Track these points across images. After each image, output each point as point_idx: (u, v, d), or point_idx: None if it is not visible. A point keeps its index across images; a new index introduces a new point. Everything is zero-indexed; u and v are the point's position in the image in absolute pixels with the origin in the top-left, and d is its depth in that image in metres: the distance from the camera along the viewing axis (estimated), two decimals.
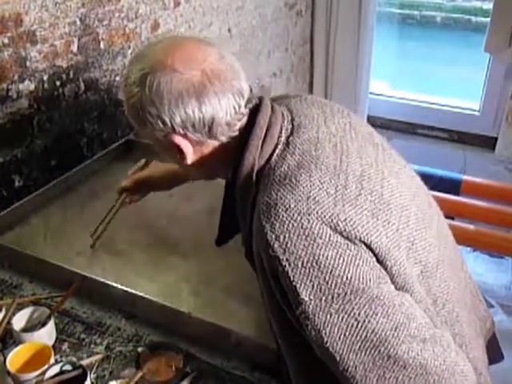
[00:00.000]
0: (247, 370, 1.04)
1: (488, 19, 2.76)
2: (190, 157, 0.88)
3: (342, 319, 0.74)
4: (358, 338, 0.74)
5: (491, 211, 2.17)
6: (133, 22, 1.83)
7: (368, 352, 0.74)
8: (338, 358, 0.75)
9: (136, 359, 1.04)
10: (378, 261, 0.78)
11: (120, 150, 1.72)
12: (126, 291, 1.12)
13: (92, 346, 1.09)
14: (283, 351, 0.90)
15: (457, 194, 2.22)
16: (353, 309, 0.74)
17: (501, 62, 2.82)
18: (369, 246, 0.77)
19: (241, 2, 2.41)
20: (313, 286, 0.74)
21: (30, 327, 1.09)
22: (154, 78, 0.81)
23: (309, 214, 0.76)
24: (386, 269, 0.78)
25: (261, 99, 0.90)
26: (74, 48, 1.63)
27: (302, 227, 0.75)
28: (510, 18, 2.67)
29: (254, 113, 0.88)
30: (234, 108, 0.84)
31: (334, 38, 3.04)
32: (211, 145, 0.88)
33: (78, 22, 1.62)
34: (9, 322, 1.08)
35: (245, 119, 0.88)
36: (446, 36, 3.67)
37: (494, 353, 1.00)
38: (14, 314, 1.09)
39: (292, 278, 0.75)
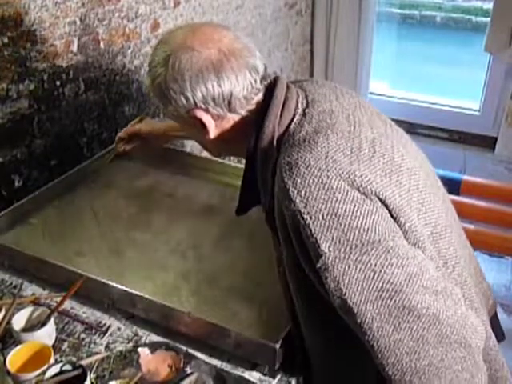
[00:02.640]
0: (247, 369, 1.04)
1: (488, 19, 2.76)
2: (213, 131, 0.96)
3: (360, 270, 0.78)
4: (375, 288, 0.78)
5: (491, 211, 2.17)
6: (133, 22, 1.83)
7: (384, 302, 0.78)
8: (355, 310, 0.79)
9: (136, 359, 1.04)
10: (392, 217, 0.83)
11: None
12: (126, 291, 1.12)
13: (92, 345, 1.09)
14: (303, 323, 0.96)
15: (457, 193, 2.22)
16: (369, 259, 0.78)
17: (501, 62, 2.82)
18: (383, 202, 0.82)
19: (240, 2, 2.41)
20: (332, 237, 0.79)
21: (30, 327, 1.09)
22: (176, 57, 0.90)
23: (328, 171, 0.81)
24: (399, 225, 0.83)
25: (276, 77, 0.98)
26: (74, 48, 1.63)
27: (321, 182, 0.81)
28: (510, 18, 2.67)
29: (271, 89, 0.95)
30: (251, 83, 0.92)
31: (334, 38, 3.04)
32: (231, 119, 0.95)
33: (78, 22, 1.62)
34: (9, 322, 1.08)
35: (261, 94, 0.95)
36: (445, 36, 3.67)
37: (495, 332, 1.02)
38: (13, 314, 1.09)
39: (313, 231, 0.80)
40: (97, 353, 1.07)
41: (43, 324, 1.07)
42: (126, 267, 1.26)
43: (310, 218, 0.80)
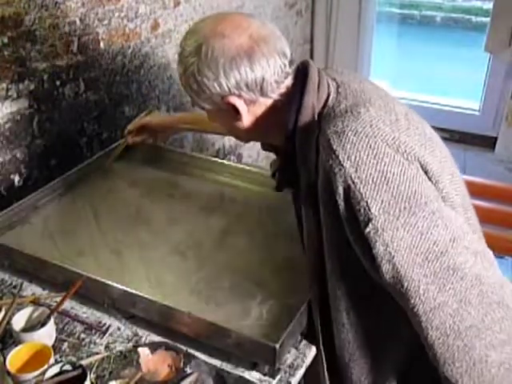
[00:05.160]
0: (247, 370, 1.04)
1: (488, 19, 2.76)
2: (245, 116, 0.98)
3: (408, 232, 0.80)
4: (422, 249, 0.80)
5: (491, 211, 2.17)
6: (133, 22, 1.83)
7: (430, 264, 0.79)
8: (403, 273, 0.80)
9: (136, 359, 1.04)
10: (431, 182, 0.87)
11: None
12: (126, 291, 1.12)
13: (92, 345, 1.09)
14: (335, 299, 0.97)
15: None
16: (417, 222, 0.80)
17: (501, 62, 2.82)
18: (424, 168, 0.86)
19: (241, 2, 2.41)
20: (382, 201, 0.81)
21: (30, 327, 1.09)
22: (208, 45, 0.93)
23: (374, 137, 0.85)
24: (437, 190, 0.87)
25: (304, 61, 1.02)
26: (74, 48, 1.63)
27: (370, 147, 0.84)
28: (510, 18, 2.67)
29: (302, 71, 0.99)
30: (280, 67, 0.95)
31: (334, 38, 3.04)
32: (263, 103, 0.98)
33: (78, 22, 1.62)
34: (8, 322, 1.08)
35: (290, 78, 0.98)
36: (445, 36, 3.68)
37: None
38: (13, 314, 1.09)
39: (364, 195, 0.82)
40: (97, 353, 1.07)
41: (43, 324, 1.07)
42: (126, 267, 1.26)
43: (361, 182, 0.82)
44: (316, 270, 1.01)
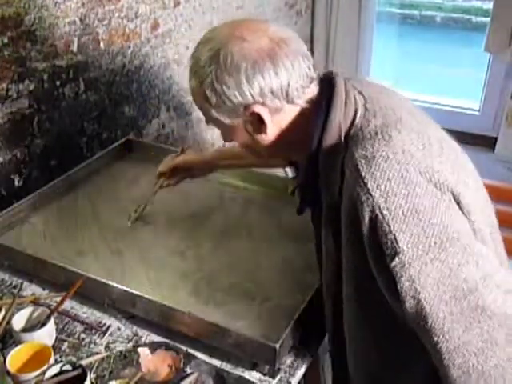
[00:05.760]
0: (247, 369, 1.04)
1: (488, 19, 2.76)
2: (270, 127, 0.90)
3: (437, 268, 0.76)
4: (450, 286, 0.76)
5: None
6: (133, 22, 1.83)
7: (458, 301, 0.75)
8: (428, 310, 0.76)
9: (136, 359, 1.04)
10: (463, 214, 0.82)
11: (120, 150, 1.72)
12: (126, 291, 1.12)
13: (92, 345, 1.09)
14: (350, 323, 0.94)
15: None
16: (447, 257, 0.76)
17: (501, 62, 2.82)
18: (456, 199, 0.81)
19: (241, 2, 2.41)
20: (411, 234, 0.77)
21: (30, 327, 1.09)
22: (227, 50, 0.85)
23: (406, 164, 0.79)
24: (469, 223, 0.82)
25: (329, 72, 0.95)
26: (74, 48, 1.63)
27: (401, 176, 0.78)
28: (510, 18, 2.67)
29: (327, 81, 0.92)
30: (305, 70, 0.88)
31: (334, 38, 3.04)
32: (289, 112, 0.90)
33: (78, 22, 1.62)
34: (8, 322, 1.08)
35: (315, 84, 0.91)
36: (446, 36, 3.68)
37: None
38: (13, 314, 1.09)
39: (392, 227, 0.77)
40: (97, 353, 1.07)
41: (43, 324, 1.07)
42: (126, 267, 1.26)
43: (390, 213, 0.77)
44: (331, 290, 0.98)
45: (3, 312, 1.10)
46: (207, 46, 0.87)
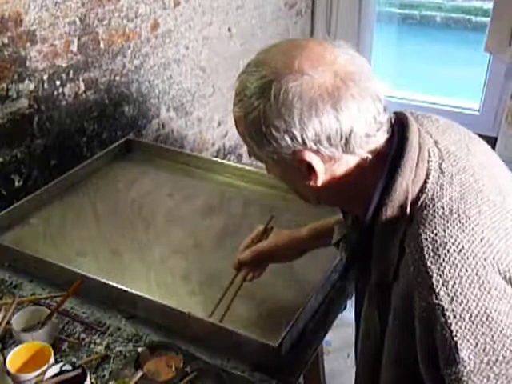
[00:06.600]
0: (247, 369, 1.04)
1: (488, 19, 2.76)
2: (322, 177, 0.76)
3: None
4: None
5: None
6: (133, 22, 1.83)
7: None
8: None
9: (136, 359, 1.04)
10: None
11: (119, 150, 1.72)
12: (126, 291, 1.12)
13: (92, 345, 1.09)
14: None
15: None
16: None
17: (501, 62, 2.82)
18: None
19: (241, 2, 2.41)
20: (476, 344, 0.65)
21: (30, 327, 1.09)
22: (281, 84, 0.70)
23: (485, 260, 0.67)
24: None
25: (402, 114, 0.80)
26: (74, 48, 1.63)
27: (476, 274, 0.66)
28: (510, 18, 2.67)
29: (398, 128, 0.78)
30: (373, 115, 0.73)
31: (334, 38, 3.04)
32: (345, 162, 0.75)
33: (78, 22, 1.62)
34: (9, 322, 1.08)
35: (383, 131, 0.75)
36: (445, 36, 3.67)
37: None
38: (13, 314, 1.09)
39: (454, 333, 0.66)
40: (97, 353, 1.07)
41: (43, 324, 1.07)
42: (126, 267, 1.26)
43: (454, 316, 0.65)
44: (366, 373, 0.89)
45: (3, 312, 1.10)
46: (258, 71, 0.73)
